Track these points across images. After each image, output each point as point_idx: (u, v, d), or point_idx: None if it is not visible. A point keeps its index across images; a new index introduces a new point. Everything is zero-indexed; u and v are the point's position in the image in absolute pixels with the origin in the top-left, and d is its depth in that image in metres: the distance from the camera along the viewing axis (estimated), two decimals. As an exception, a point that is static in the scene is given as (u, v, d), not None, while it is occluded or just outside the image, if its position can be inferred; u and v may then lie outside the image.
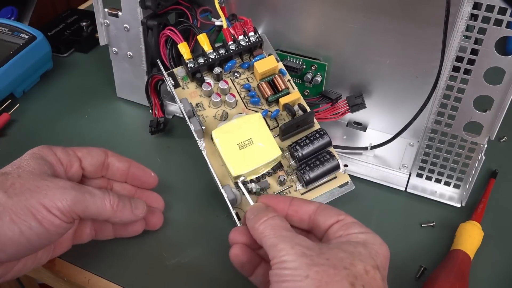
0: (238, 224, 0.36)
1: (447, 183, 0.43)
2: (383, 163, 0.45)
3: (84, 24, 0.60)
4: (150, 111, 0.48)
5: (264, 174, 0.38)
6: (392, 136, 0.44)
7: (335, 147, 0.45)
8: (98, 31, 0.46)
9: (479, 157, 0.39)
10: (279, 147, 0.38)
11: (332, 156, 0.37)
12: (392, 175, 0.44)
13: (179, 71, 0.41)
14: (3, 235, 0.29)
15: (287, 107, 0.39)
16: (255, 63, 0.40)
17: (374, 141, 0.45)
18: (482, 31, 0.33)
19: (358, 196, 0.42)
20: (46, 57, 0.54)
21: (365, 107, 0.45)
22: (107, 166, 0.37)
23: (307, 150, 0.37)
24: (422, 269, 0.37)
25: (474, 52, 0.34)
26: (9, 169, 0.32)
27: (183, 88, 0.41)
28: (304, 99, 0.40)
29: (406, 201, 0.43)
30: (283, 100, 0.39)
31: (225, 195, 0.36)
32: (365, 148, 0.45)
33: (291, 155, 0.38)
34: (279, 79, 0.40)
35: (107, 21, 0.45)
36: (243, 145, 0.37)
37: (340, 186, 0.39)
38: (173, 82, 0.40)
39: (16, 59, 0.50)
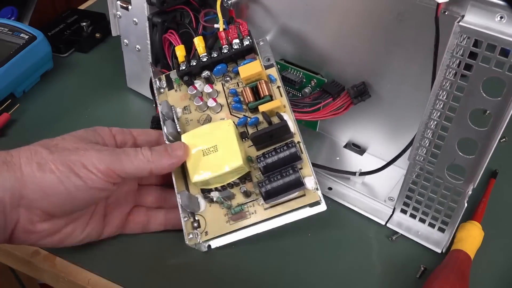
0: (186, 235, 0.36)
1: (431, 225, 0.40)
2: (370, 192, 0.42)
3: (84, 24, 0.60)
4: (154, 106, 0.48)
5: (231, 184, 0.37)
6: (383, 165, 0.41)
7: (321, 167, 0.43)
8: (111, 21, 0.48)
9: (463, 204, 0.35)
10: (249, 157, 0.37)
11: (295, 171, 0.35)
12: (375, 207, 0.42)
13: (173, 73, 0.41)
14: (44, 184, 0.32)
15: (264, 115, 0.38)
16: (239, 68, 0.39)
17: (368, 167, 0.43)
18: (468, 67, 0.30)
19: (335, 221, 0.40)
20: (46, 57, 0.54)
21: (369, 96, 0.42)
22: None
23: (271, 161, 0.36)
24: (423, 269, 0.37)
25: (460, 89, 0.31)
26: (58, 136, 0.35)
27: (175, 91, 0.41)
28: (301, 98, 0.39)
29: (383, 238, 0.40)
30: (261, 108, 0.38)
31: (179, 200, 0.36)
32: (353, 173, 0.43)
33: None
34: (263, 86, 0.38)
35: (119, 13, 0.46)
36: (208, 151, 0.36)
37: (311, 205, 0.37)
38: (165, 84, 0.41)
39: (16, 59, 0.50)
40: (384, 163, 0.41)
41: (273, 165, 0.36)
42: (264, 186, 0.35)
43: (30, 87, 0.54)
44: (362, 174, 0.43)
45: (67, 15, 0.63)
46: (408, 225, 0.40)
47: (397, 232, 0.40)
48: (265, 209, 0.36)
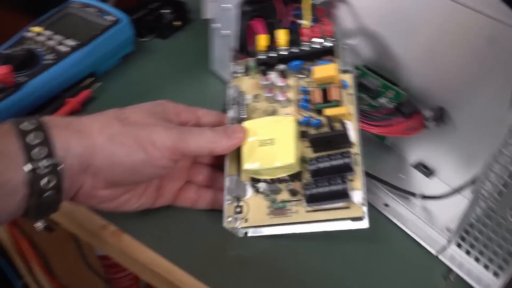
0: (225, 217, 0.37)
1: (486, 267, 0.36)
2: (428, 218, 0.40)
3: (165, 11, 0.61)
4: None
5: (280, 179, 0.38)
6: (448, 192, 0.39)
7: (381, 181, 0.42)
8: (204, 4, 0.49)
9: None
10: (304, 157, 0.37)
11: (344, 182, 0.35)
12: (430, 234, 0.39)
13: (251, 60, 0.42)
14: (113, 156, 0.34)
15: (328, 120, 0.37)
16: (314, 67, 0.39)
17: (432, 192, 0.40)
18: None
19: (383, 238, 0.39)
20: (129, 40, 0.56)
21: (443, 122, 0.39)
22: None
23: (322, 166, 0.36)
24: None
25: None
26: (128, 108, 0.37)
27: (250, 78, 0.42)
28: (373, 110, 0.38)
29: (432, 268, 0.38)
30: (327, 111, 0.37)
31: (226, 183, 0.37)
32: (414, 195, 0.41)
33: (311, 169, 0.37)
34: (333, 90, 0.38)
35: (214, -4, 0.48)
36: (264, 143, 0.37)
37: (353, 220, 0.36)
38: (241, 70, 0.42)
39: (101, 40, 0.52)
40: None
41: (323, 171, 0.36)
42: (309, 189, 0.35)
43: (111, 68, 0.56)
44: (424, 197, 0.40)
45: (150, 1, 0.64)
46: (461, 262, 0.38)
47: (449, 268, 0.37)
48: (307, 212, 0.36)
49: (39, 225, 0.35)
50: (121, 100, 0.50)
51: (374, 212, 0.41)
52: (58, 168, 0.32)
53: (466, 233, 0.37)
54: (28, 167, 0.31)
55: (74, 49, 0.51)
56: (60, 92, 0.51)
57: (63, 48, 0.51)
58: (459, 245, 0.38)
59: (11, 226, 0.59)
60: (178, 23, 0.63)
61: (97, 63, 0.53)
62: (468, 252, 0.37)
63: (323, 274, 0.37)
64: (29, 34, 0.53)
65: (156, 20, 0.62)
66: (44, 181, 0.31)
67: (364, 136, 0.38)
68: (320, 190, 0.35)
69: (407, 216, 0.41)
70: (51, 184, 0.32)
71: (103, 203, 0.37)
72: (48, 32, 0.53)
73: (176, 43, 0.61)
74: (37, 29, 0.53)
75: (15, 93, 0.47)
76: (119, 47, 0.55)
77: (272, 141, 0.36)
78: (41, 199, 0.32)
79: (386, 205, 0.41)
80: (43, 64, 0.49)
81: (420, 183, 0.43)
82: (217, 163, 0.42)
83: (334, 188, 0.35)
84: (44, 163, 0.31)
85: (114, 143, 0.34)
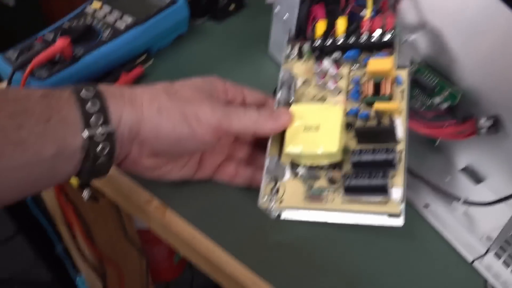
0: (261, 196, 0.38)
1: (522, 281, 0.36)
2: (469, 224, 0.39)
3: None
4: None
5: (320, 166, 0.38)
6: (494, 201, 0.38)
7: (425, 181, 0.41)
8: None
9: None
10: (347, 147, 0.37)
11: (385, 177, 0.34)
12: (469, 241, 0.39)
13: (307, 45, 0.42)
14: (160, 127, 0.35)
15: (376, 113, 0.37)
16: (370, 60, 0.38)
17: (477, 198, 0.39)
18: None
19: (417, 240, 0.39)
20: (183, 21, 0.56)
21: (495, 132, 0.38)
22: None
23: (364, 159, 0.36)
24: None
25: None
26: (178, 82, 0.39)
27: (303, 62, 0.42)
28: (425, 110, 0.38)
29: (466, 276, 0.37)
30: (376, 105, 0.37)
31: (267, 163, 0.38)
32: (458, 199, 0.40)
33: (353, 160, 0.37)
34: (386, 84, 0.38)
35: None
36: (309, 128, 0.37)
37: (389, 216, 0.36)
38: (296, 53, 0.42)
39: (157, 19, 0.53)
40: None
41: (365, 164, 0.36)
42: (348, 179, 0.35)
43: (164, 47, 0.57)
44: (467, 203, 0.39)
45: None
46: (498, 272, 0.37)
47: (485, 279, 0.37)
48: (343, 201, 0.37)
49: (85, 194, 0.37)
50: (172, 78, 0.52)
51: (413, 212, 0.41)
52: (112, 136, 0.34)
53: (507, 244, 0.36)
54: (86, 133, 0.33)
55: (130, 26, 0.52)
56: (114, 67, 0.52)
57: (120, 25, 0.52)
58: (497, 255, 0.37)
59: (58, 192, 0.62)
60: (232, 6, 0.63)
61: (151, 41, 0.54)
62: (506, 264, 0.36)
63: (359, 268, 0.38)
64: (89, 9, 0.55)
65: (211, 3, 0.62)
66: (99, 147, 0.33)
67: (414, 134, 0.38)
68: (360, 182, 0.35)
69: (446, 220, 0.40)
70: (105, 151, 0.34)
71: (146, 171, 0.39)
72: (107, 8, 0.55)
73: (230, 26, 0.61)
74: (96, 4, 0.55)
75: (72, 66, 0.49)
76: (174, 27, 0.56)
77: (317, 128, 0.37)
78: (95, 164, 0.34)
79: (427, 205, 0.41)
80: (100, 39, 0.51)
81: (466, 188, 0.41)
82: (259, 142, 0.43)
83: (374, 182, 0.35)
84: (100, 130, 0.33)
85: (161, 116, 0.35)
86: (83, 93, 0.34)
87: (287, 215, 0.39)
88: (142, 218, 0.44)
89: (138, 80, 0.53)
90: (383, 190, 0.35)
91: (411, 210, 0.41)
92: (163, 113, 0.35)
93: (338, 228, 0.38)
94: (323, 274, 0.37)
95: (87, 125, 0.33)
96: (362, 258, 0.38)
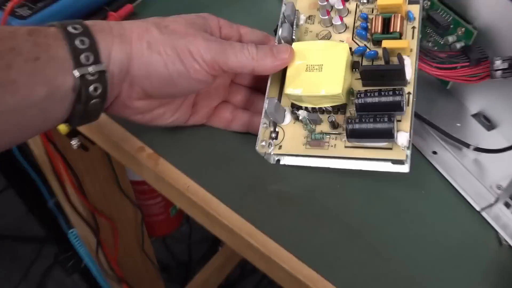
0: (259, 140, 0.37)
1: (532, 230, 0.35)
2: (478, 172, 0.38)
3: None
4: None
5: (322, 109, 0.36)
6: (505, 147, 0.36)
7: (434, 126, 0.40)
8: None
9: None
10: (352, 89, 0.36)
11: (390, 121, 0.33)
12: (477, 189, 0.37)
13: None
14: (150, 64, 0.34)
15: (384, 52, 0.35)
16: (379, -8, 0.36)
17: (488, 145, 0.38)
18: None
19: (424, 188, 0.38)
20: None
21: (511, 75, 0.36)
22: None
23: (370, 101, 0.34)
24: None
25: None
26: (170, 17, 0.37)
27: None
28: (437, 50, 0.36)
29: (473, 225, 0.37)
30: (385, 43, 0.35)
31: (265, 105, 0.36)
32: (467, 146, 0.39)
33: (357, 102, 0.35)
34: (396, 20, 0.35)
35: None
36: (311, 68, 0.35)
37: (393, 162, 0.35)
38: None
39: None
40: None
41: (370, 106, 0.34)
42: (352, 123, 0.34)
43: None
44: (478, 149, 0.38)
45: None
46: (506, 222, 0.36)
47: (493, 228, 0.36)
48: (346, 147, 0.35)
49: (75, 143, 0.36)
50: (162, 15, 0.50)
51: (420, 159, 0.39)
52: (104, 75, 0.32)
53: (517, 193, 0.35)
54: (77, 73, 0.31)
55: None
56: (100, 5, 0.50)
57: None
58: (507, 205, 0.36)
59: (46, 142, 0.60)
60: None
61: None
62: (516, 214, 0.36)
63: (364, 217, 0.36)
64: None
65: None
66: (91, 87, 0.32)
67: (424, 77, 0.36)
68: (364, 126, 0.33)
69: (455, 167, 0.39)
70: (98, 91, 0.32)
71: (137, 114, 0.37)
72: None
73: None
74: None
75: (55, 3, 0.46)
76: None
77: (320, 67, 0.35)
78: (87, 106, 0.32)
79: (435, 152, 0.40)
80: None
81: (477, 134, 0.40)
82: (257, 86, 0.41)
83: (379, 126, 0.33)
84: (92, 69, 0.31)
85: (152, 52, 0.33)
86: (70, 29, 0.32)
87: (286, 161, 0.38)
88: (134, 168, 0.43)
89: (127, 19, 0.49)
90: (388, 134, 0.33)
91: (418, 157, 0.39)
92: (153, 48, 0.34)
93: (340, 175, 0.37)
94: (323, 225, 0.36)
95: (77, 63, 0.31)
96: (365, 208, 0.37)
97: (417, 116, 0.38)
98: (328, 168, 0.37)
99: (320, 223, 0.36)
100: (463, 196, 0.37)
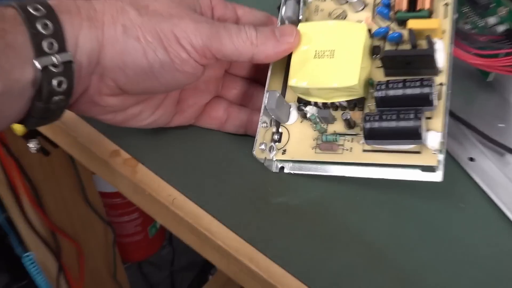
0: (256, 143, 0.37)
1: None
2: (525, 182, 0.38)
3: None
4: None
5: (335, 104, 0.37)
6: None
7: (472, 127, 0.40)
8: None
9: None
10: (371, 80, 0.36)
11: (417, 118, 0.33)
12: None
13: None
14: (126, 52, 0.33)
15: (410, 34, 0.35)
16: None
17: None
18: None
19: (458, 201, 0.38)
20: None
21: None
22: None
23: (392, 94, 0.34)
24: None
25: None
26: None
27: None
28: (476, 33, 0.36)
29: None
30: (411, 23, 0.35)
31: (265, 100, 0.36)
32: (510, 151, 0.39)
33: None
34: (426, -5, 0.36)
35: None
36: (321, 54, 0.36)
37: (423, 169, 0.35)
38: None
39: None
40: None
41: (393, 100, 0.34)
42: (370, 121, 0.34)
43: None
44: (525, 156, 0.38)
45: None
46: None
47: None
48: (364, 151, 0.35)
49: (33, 145, 0.36)
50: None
51: (454, 166, 0.40)
52: (70, 66, 0.32)
53: None
54: (38, 63, 0.31)
55: None
56: None
57: None
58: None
59: None
60: None
61: None
62: None
63: (389, 237, 0.37)
64: None
65: None
66: (55, 81, 0.31)
67: (460, 66, 0.36)
68: (385, 124, 0.33)
69: (495, 177, 0.39)
70: (62, 86, 0.32)
71: (107, 113, 0.37)
72: None
73: None
74: None
75: None
76: None
77: (331, 53, 0.35)
78: (49, 104, 0.32)
79: (471, 159, 0.40)
80: None
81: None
82: (257, 77, 0.41)
83: (403, 124, 0.33)
84: (56, 59, 0.31)
85: (128, 37, 0.33)
86: (31, 10, 0.31)
87: (292, 168, 0.38)
88: (106, 176, 0.43)
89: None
90: (415, 134, 0.33)
91: (452, 163, 0.39)
92: (130, 33, 0.33)
93: (359, 185, 0.37)
94: (339, 246, 0.36)
95: (39, 52, 0.31)
96: (390, 225, 0.37)
97: (450, 114, 0.38)
98: (344, 177, 0.37)
99: (335, 244, 0.36)
100: (504, 212, 0.38)
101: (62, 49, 0.32)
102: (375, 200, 0.38)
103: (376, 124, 0.34)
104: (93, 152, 0.42)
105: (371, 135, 0.34)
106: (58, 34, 0.32)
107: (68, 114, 0.35)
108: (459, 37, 0.37)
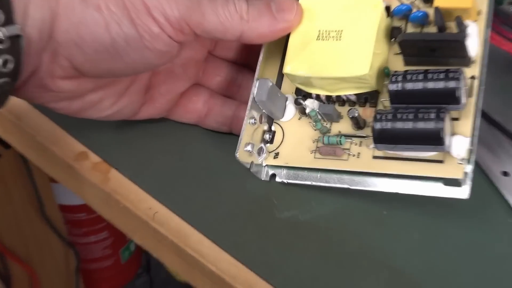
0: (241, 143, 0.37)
1: None
2: None
3: None
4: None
5: (342, 98, 0.37)
6: None
7: (507, 133, 0.40)
8: None
9: None
10: (387, 69, 0.36)
11: (439, 118, 0.33)
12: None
13: None
14: (84, 24, 0.34)
15: (436, 13, 0.35)
16: None
17: None
18: None
19: (488, 222, 0.38)
20: None
21: None
22: None
23: (410, 87, 0.34)
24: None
25: None
26: None
27: None
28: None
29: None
30: (438, 1, 0.35)
31: (254, 90, 0.36)
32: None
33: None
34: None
35: None
36: (326, 35, 0.36)
37: (446, 183, 0.35)
38: None
39: None
40: None
41: (411, 95, 0.34)
42: (381, 121, 0.34)
43: None
44: None
45: None
46: None
47: None
48: (375, 157, 0.36)
49: None
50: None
51: (485, 180, 0.39)
52: (19, 42, 0.32)
53: None
54: None
55: None
56: None
57: None
58: None
59: None
60: None
61: None
62: None
63: (406, 261, 0.37)
64: None
65: None
66: (0, 60, 0.31)
67: (498, 52, 0.36)
68: (399, 125, 0.33)
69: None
70: (8, 66, 0.32)
71: (61, 101, 0.37)
72: None
73: None
74: None
75: None
76: None
77: (338, 35, 0.35)
78: None
79: (506, 173, 0.40)
80: None
81: None
82: (247, 62, 0.42)
83: (422, 125, 0.33)
84: (2, 33, 0.31)
85: (87, 7, 0.34)
86: None
87: (286, 176, 0.38)
88: (70, 184, 0.44)
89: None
90: (435, 139, 0.33)
91: (482, 177, 0.39)
92: (90, 2, 0.34)
93: (369, 201, 0.37)
94: (357, 271, 0.36)
95: None
96: (408, 248, 0.37)
97: (483, 116, 0.38)
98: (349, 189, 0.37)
99: (353, 269, 0.37)
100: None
101: (9, 20, 0.32)
102: (388, 218, 0.38)
103: (388, 125, 0.34)
104: (55, 153, 0.43)
105: (382, 138, 0.34)
106: (4, 3, 0.32)
107: (23, 106, 0.36)
108: (499, 20, 0.37)
